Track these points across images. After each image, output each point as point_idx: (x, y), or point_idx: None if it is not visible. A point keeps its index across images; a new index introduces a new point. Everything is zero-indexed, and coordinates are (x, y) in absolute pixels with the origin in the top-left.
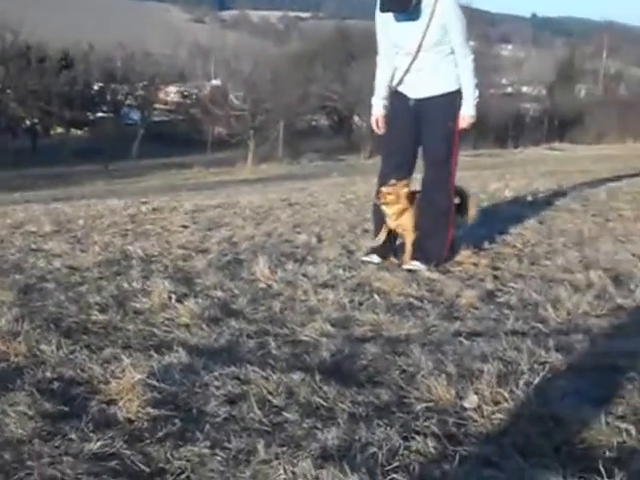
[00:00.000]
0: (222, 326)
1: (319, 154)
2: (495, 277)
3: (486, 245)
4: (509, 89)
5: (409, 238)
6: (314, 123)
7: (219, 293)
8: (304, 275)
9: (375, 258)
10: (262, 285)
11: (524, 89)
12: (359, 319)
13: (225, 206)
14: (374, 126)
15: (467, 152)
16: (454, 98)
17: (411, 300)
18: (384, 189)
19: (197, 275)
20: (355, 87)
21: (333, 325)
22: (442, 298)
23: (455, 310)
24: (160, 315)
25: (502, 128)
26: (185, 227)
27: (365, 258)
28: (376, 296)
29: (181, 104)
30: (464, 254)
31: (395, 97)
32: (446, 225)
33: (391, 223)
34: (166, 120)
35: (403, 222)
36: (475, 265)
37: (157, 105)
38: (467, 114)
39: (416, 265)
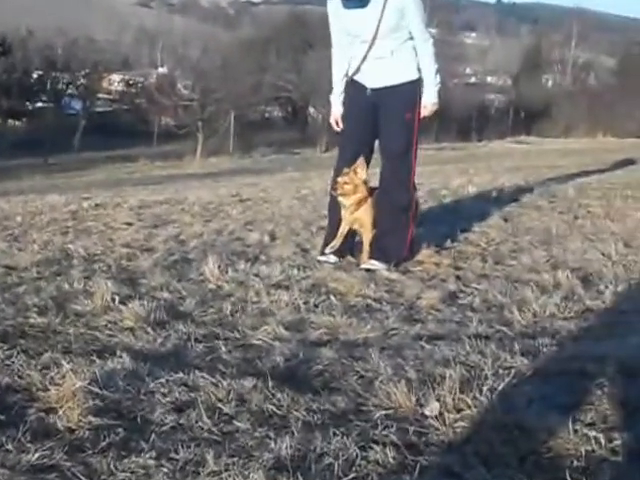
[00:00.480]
0: (169, 329)
1: (272, 147)
2: (458, 277)
3: (448, 244)
4: (473, 79)
5: (367, 235)
6: (267, 114)
7: (165, 294)
8: (256, 275)
9: (332, 258)
10: (211, 286)
11: (489, 79)
12: (314, 322)
13: (172, 202)
14: (334, 125)
15: (428, 145)
16: (414, 87)
17: (369, 302)
18: (340, 179)
19: (142, 275)
20: (311, 76)
21: (287, 328)
22: (402, 299)
23: (415, 312)
24: (103, 318)
25: (465, 120)
26: (129, 224)
27: (321, 258)
28: (332, 297)
29: (126, 93)
30: (425, 253)
31: (351, 87)
32: (406, 222)
33: (348, 217)
34: (110, 110)
35: (361, 217)
36: (437, 265)
37: (100, 94)
38: (429, 102)
39: (375, 264)
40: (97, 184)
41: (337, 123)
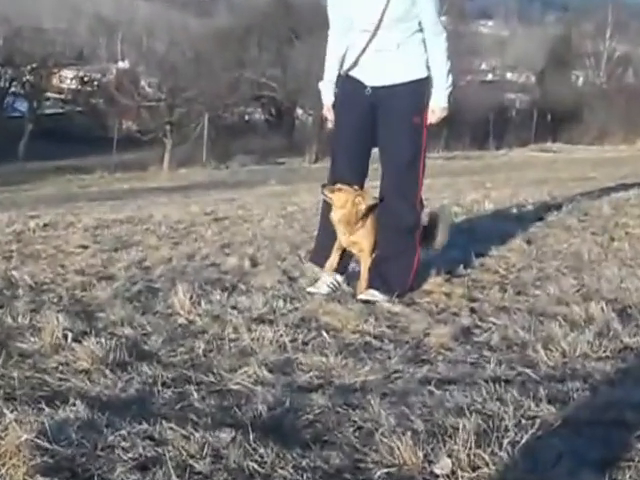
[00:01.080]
0: (131, 372)
1: (253, 156)
2: (472, 310)
3: (461, 270)
4: (490, 76)
5: (366, 261)
6: (247, 117)
7: (127, 330)
8: (234, 308)
9: (324, 288)
10: (182, 320)
11: (508, 76)
12: (303, 363)
13: (135, 221)
14: (327, 116)
15: (437, 154)
16: (422, 87)
17: (368, 339)
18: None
19: (99, 308)
20: (298, 72)
21: (271, 370)
22: (407, 337)
23: (423, 351)
24: (53, 358)
25: (481, 124)
26: (84, 247)
27: (311, 289)
28: (325, 334)
29: (79, 92)
30: (434, 282)
31: (346, 84)
32: (412, 246)
33: (344, 240)
34: (61, 112)
35: (359, 239)
36: (447, 295)
37: (49, 94)
38: (438, 106)
39: (374, 295)
40: (46, 200)
41: (329, 115)
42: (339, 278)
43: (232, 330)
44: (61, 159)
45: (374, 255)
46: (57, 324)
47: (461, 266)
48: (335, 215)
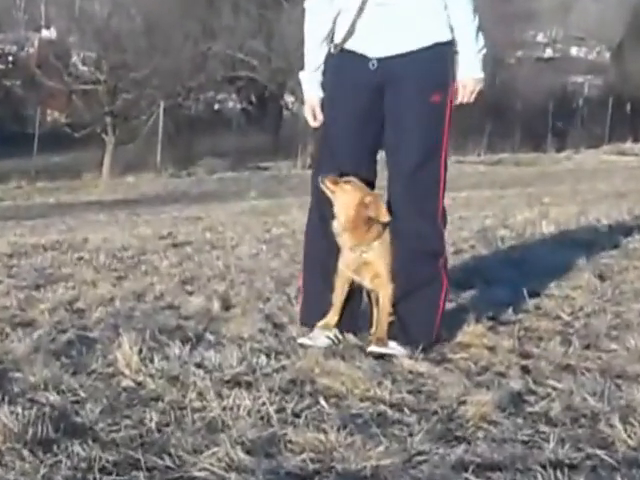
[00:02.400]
0: (58, 453)
1: (226, 159)
2: (525, 370)
3: (509, 315)
4: (549, 51)
5: (384, 294)
6: (217, 107)
7: (53, 397)
8: (199, 366)
9: (321, 340)
10: (127, 383)
11: (574, 51)
12: (294, 441)
13: (64, 247)
14: (309, 118)
15: (478, 157)
16: (444, 53)
17: (382, 408)
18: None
19: (15, 366)
20: (287, 46)
21: (249, 452)
22: (435, 405)
23: (457, 426)
24: None
25: (536, 117)
26: None
27: (304, 340)
28: (323, 402)
29: None
30: (472, 330)
31: (341, 63)
32: (437, 277)
33: (351, 262)
34: None
35: (374, 259)
36: (491, 349)
37: None
38: (470, 77)
39: (393, 348)
40: None
41: (315, 115)
42: (337, 333)
43: (196, 396)
44: None
45: (392, 288)
46: None
47: (509, 309)
48: (338, 219)
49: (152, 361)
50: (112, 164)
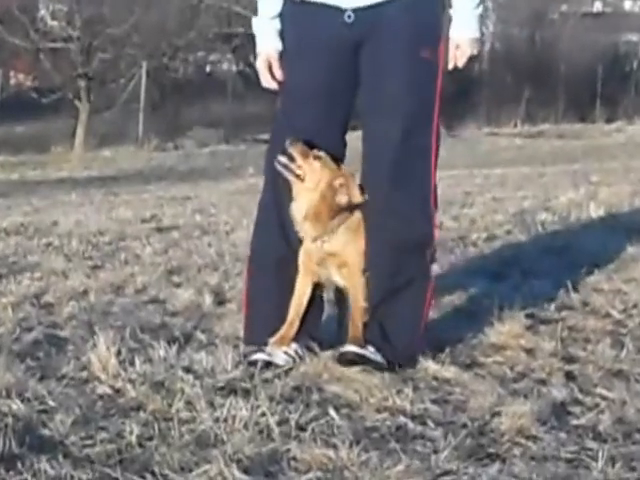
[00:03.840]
0: (23, 471)
1: (219, 130)
2: (569, 376)
3: (551, 312)
4: (597, 5)
5: (355, 286)
6: (209, 69)
7: (16, 405)
8: (188, 370)
9: (280, 357)
10: (104, 389)
11: (627, 5)
12: (299, 458)
13: (29, 231)
14: (264, 77)
15: (514, 128)
16: (434, 5)
17: (403, 421)
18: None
19: None
20: None
21: (246, 470)
22: (464, 417)
23: (490, 441)
24: None
25: (584, 83)
26: None
27: (259, 356)
28: (333, 412)
29: None
30: (508, 330)
31: (307, 11)
32: (425, 276)
33: (314, 253)
34: None
35: (340, 249)
36: (529, 352)
37: None
38: (464, 37)
39: (371, 352)
40: None
41: (271, 74)
42: (299, 349)
43: (184, 406)
44: None
45: (364, 280)
46: None
47: (551, 305)
48: (299, 203)
49: (133, 364)
50: (86, 135)
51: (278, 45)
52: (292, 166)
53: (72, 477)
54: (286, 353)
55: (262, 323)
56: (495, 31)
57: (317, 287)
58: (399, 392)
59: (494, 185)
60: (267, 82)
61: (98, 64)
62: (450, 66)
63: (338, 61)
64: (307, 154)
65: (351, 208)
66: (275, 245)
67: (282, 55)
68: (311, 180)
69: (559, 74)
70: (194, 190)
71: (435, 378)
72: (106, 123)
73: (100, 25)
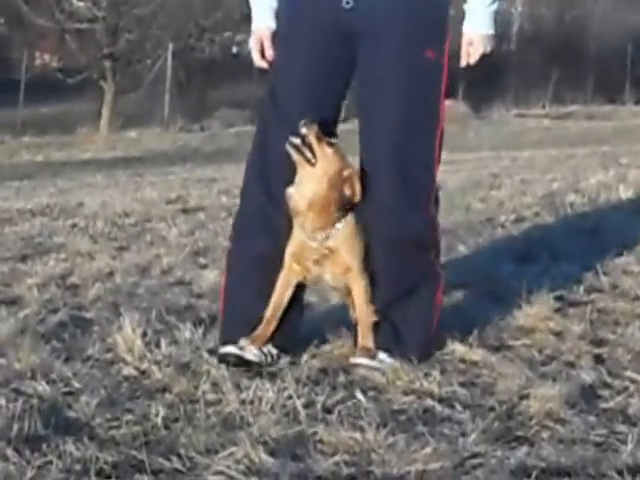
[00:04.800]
0: (48, 453)
1: (245, 111)
2: (598, 359)
3: (580, 294)
4: None
5: (359, 290)
6: (236, 49)
7: (42, 387)
8: (214, 352)
9: (252, 352)
10: (129, 371)
11: None
12: (325, 440)
13: (55, 213)
14: (255, 55)
15: (542, 109)
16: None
17: (430, 403)
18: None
19: None
20: None
21: (272, 452)
22: (492, 400)
23: (518, 424)
24: None
25: (613, 63)
26: None
27: (230, 349)
28: (360, 395)
29: None
30: (536, 312)
31: None
32: (432, 275)
33: (308, 252)
34: None
35: (340, 245)
36: (558, 335)
37: None
38: (476, 33)
39: (382, 361)
40: None
41: (262, 51)
42: (274, 351)
43: (210, 388)
44: None
45: (366, 282)
46: None
47: (580, 288)
48: (304, 189)
49: (158, 346)
50: (111, 116)
51: (271, 24)
52: (304, 149)
53: (97, 459)
54: (260, 350)
55: (237, 322)
56: (523, 11)
57: (299, 287)
58: (426, 375)
59: (522, 167)
60: (258, 61)
61: (124, 45)
62: (462, 63)
63: (332, 48)
64: (321, 138)
65: (351, 205)
66: (258, 240)
67: (275, 35)
68: (322, 166)
69: (588, 54)
70: (220, 171)
71: (463, 361)
72: (132, 104)
73: (126, 5)
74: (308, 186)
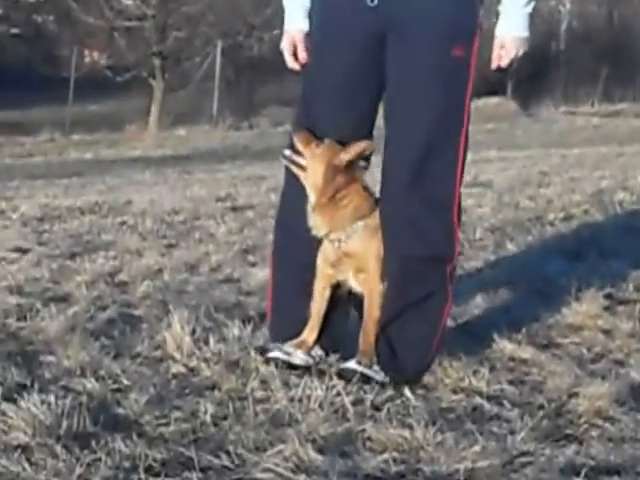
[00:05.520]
0: (97, 450)
1: (292, 109)
2: None
3: (629, 292)
4: None
5: (371, 294)
6: None
7: (91, 384)
8: (263, 350)
9: (299, 357)
10: (178, 369)
11: None
12: (374, 438)
13: (104, 210)
14: (288, 57)
15: (592, 107)
16: None
17: (479, 401)
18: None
19: (46, 348)
20: None
21: (321, 450)
22: (541, 398)
23: (567, 422)
24: None
25: None
26: (23, 252)
27: (276, 354)
28: (408, 393)
29: (16, 8)
30: (585, 310)
31: None
32: (442, 292)
33: (332, 255)
34: None
35: (357, 249)
36: (607, 333)
37: None
38: (510, 35)
39: (375, 371)
40: None
41: (295, 54)
42: (320, 352)
43: (259, 385)
44: None
45: (381, 289)
46: None
47: (629, 286)
48: (310, 195)
49: (207, 343)
50: (160, 114)
51: (304, 26)
52: (296, 158)
53: (146, 456)
54: (306, 354)
55: (285, 324)
56: (572, 9)
57: (339, 290)
58: (475, 373)
59: (571, 165)
60: (291, 63)
61: (173, 42)
62: (493, 66)
63: (362, 49)
64: (309, 141)
65: (370, 205)
66: (296, 245)
67: (308, 36)
68: (312, 167)
69: (637, 52)
70: (269, 169)
71: (512, 359)
72: (180, 102)
73: (175, 3)
74: (309, 191)
